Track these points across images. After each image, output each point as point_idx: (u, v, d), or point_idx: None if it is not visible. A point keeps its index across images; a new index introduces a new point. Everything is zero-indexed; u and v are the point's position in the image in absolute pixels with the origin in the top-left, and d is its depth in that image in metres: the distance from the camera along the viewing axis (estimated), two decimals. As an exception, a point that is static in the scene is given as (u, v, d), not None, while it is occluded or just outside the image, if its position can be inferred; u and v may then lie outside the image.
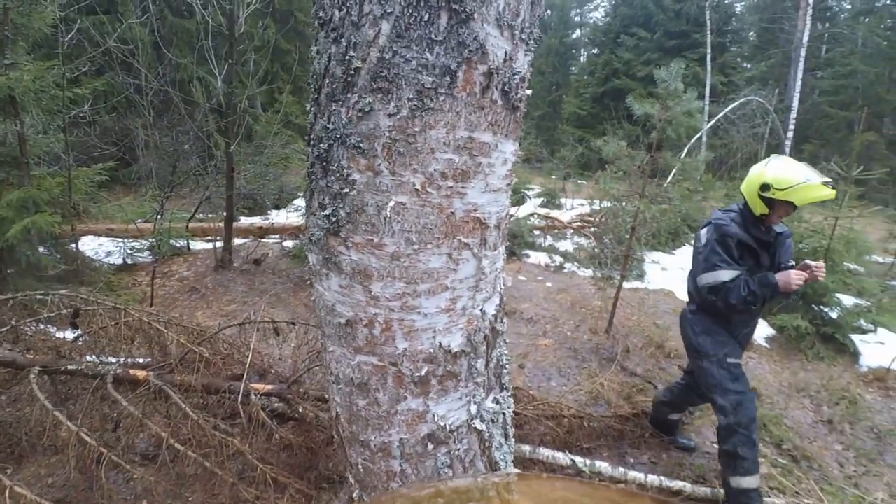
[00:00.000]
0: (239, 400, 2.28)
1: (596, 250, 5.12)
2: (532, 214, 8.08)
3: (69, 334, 2.85)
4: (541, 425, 2.70)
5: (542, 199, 10.23)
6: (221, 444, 2.16)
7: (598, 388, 3.27)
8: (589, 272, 5.31)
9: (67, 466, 2.07)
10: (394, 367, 0.74)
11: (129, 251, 5.13)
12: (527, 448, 2.51)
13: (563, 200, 10.09)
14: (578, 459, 2.49)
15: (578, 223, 8.06)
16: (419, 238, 0.68)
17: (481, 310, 0.77)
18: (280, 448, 2.34)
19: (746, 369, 2.38)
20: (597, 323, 4.35)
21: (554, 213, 8.79)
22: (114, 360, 2.52)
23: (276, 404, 2.47)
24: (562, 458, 2.50)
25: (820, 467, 2.70)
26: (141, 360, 2.60)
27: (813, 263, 2.13)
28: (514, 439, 0.96)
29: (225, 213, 5.16)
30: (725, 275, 2.14)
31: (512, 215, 7.74)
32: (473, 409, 0.82)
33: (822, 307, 4.31)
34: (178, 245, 5.45)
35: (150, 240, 4.94)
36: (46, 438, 2.19)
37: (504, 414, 0.91)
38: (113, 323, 2.77)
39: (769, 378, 3.67)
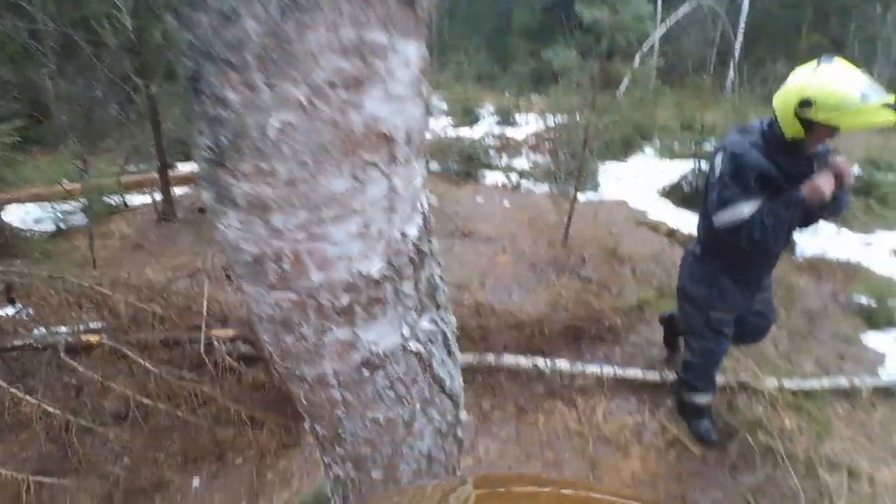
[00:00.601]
0: (202, 349, 2.27)
1: (551, 166, 5.12)
2: (486, 134, 7.92)
3: (9, 311, 2.71)
4: (504, 336, 2.84)
5: (496, 117, 9.97)
6: (191, 392, 2.18)
7: (556, 296, 3.42)
8: (545, 188, 5.35)
9: (38, 439, 2.05)
10: (313, 301, 0.71)
11: (60, 216, 4.76)
12: (491, 357, 2.65)
13: (517, 117, 9.87)
14: (539, 361, 2.65)
15: (534, 141, 7.98)
16: (314, 159, 0.62)
17: (401, 232, 0.73)
18: (252, 389, 2.38)
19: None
20: (553, 237, 4.44)
21: (509, 133, 8.64)
22: (64, 328, 2.43)
23: (242, 348, 2.48)
24: (524, 361, 2.65)
25: (757, 347, 2.99)
26: (94, 325, 2.51)
27: (838, 159, 1.69)
28: (459, 353, 0.98)
29: (158, 163, 4.79)
30: (746, 209, 1.71)
31: (469, 137, 7.55)
32: (406, 331, 0.81)
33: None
34: (112, 202, 5.09)
35: (82, 200, 4.56)
36: (9, 416, 2.13)
37: (444, 332, 0.92)
38: (52, 292, 2.64)
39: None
